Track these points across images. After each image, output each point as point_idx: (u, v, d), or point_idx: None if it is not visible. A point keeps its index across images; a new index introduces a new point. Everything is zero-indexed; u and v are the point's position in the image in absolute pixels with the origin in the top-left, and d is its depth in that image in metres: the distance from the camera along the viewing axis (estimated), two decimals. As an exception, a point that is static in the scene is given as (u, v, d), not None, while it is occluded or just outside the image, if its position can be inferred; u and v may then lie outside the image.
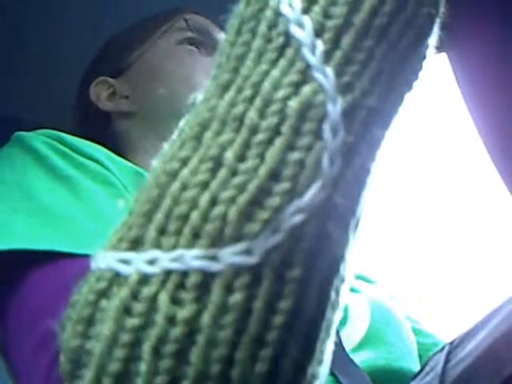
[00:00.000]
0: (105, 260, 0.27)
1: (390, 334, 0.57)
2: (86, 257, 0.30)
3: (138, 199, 0.28)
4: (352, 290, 0.61)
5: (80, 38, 0.76)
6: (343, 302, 0.28)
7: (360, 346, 0.53)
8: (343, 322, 0.55)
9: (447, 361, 0.41)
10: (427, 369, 0.44)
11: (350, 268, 0.28)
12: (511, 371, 0.34)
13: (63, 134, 0.53)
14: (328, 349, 0.28)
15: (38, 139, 0.51)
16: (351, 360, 0.50)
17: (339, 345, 0.50)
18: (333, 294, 0.27)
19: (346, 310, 0.56)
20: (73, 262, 0.40)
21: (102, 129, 0.69)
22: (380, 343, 0.55)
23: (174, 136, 0.29)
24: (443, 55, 0.39)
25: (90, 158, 0.51)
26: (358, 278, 0.69)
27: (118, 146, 0.60)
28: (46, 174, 0.48)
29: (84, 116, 0.73)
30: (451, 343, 0.43)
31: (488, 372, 0.36)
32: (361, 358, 0.52)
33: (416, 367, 0.56)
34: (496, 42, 0.34)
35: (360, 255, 0.29)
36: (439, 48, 0.31)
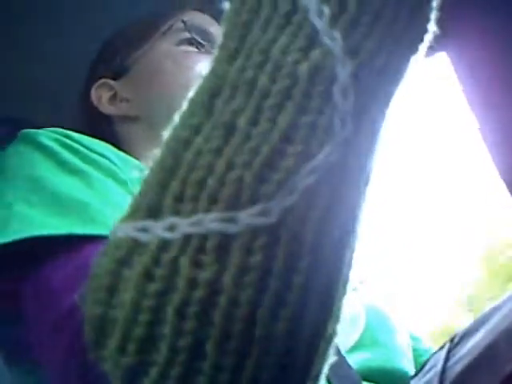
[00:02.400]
0: (123, 230, 0.28)
1: (384, 337, 0.58)
2: (104, 238, 0.30)
3: (152, 169, 0.29)
4: None
5: (83, 38, 0.76)
6: (358, 260, 0.29)
7: (355, 347, 0.54)
8: None
9: (447, 359, 0.41)
10: (427, 367, 0.45)
11: (363, 229, 0.29)
12: (511, 369, 0.35)
13: (70, 132, 0.52)
14: (345, 306, 0.28)
15: (46, 136, 0.50)
16: (345, 361, 0.51)
17: None
18: (348, 252, 0.27)
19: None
20: (91, 244, 0.40)
21: (105, 131, 0.67)
22: (375, 345, 0.56)
23: (184, 107, 0.29)
24: (444, 55, 0.39)
25: (99, 154, 0.51)
26: None
27: (120, 149, 0.60)
28: (56, 168, 0.47)
29: (87, 118, 0.71)
30: (451, 341, 0.43)
31: (488, 370, 0.36)
32: (355, 359, 0.52)
33: (410, 369, 0.57)
34: (498, 39, 0.35)
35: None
36: (440, 48, 0.32)
